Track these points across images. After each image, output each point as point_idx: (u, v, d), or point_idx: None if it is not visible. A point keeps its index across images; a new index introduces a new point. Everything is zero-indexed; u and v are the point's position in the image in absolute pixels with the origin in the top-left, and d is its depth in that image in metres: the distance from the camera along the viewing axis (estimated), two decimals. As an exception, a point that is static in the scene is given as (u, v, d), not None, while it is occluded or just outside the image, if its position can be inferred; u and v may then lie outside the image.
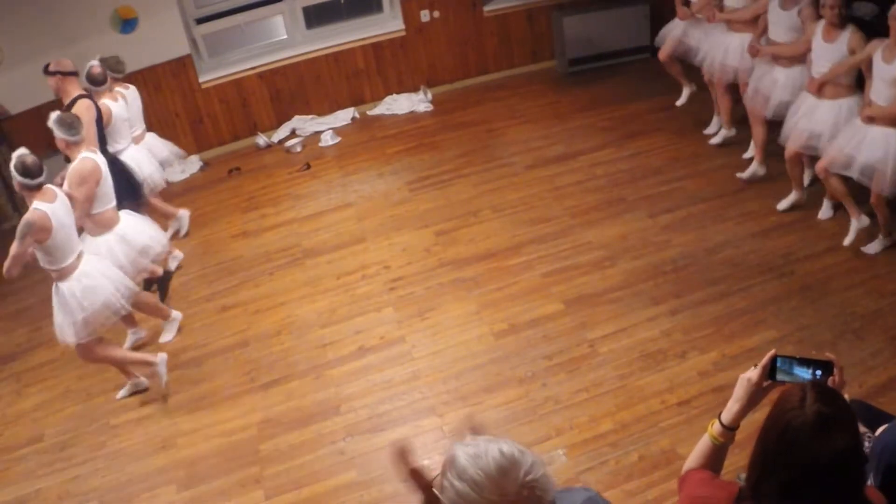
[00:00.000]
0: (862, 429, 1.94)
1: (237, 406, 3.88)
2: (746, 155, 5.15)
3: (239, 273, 5.01)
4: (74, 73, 4.59)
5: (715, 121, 5.61)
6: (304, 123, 6.91)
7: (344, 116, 6.98)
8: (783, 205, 4.59)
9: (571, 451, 3.25)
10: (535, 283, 4.35)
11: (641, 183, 5.16)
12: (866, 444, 1.97)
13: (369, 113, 7.06)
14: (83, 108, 4.43)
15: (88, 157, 3.98)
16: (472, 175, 5.65)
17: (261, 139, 6.81)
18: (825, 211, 4.49)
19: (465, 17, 6.99)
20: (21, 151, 3.56)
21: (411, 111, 6.94)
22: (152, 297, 4.48)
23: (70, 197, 3.83)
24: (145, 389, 4.12)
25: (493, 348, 3.93)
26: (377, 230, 5.18)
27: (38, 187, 3.57)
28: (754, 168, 4.91)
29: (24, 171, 3.52)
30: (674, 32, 5.54)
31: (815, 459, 1.48)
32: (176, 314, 4.52)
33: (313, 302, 4.57)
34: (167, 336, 4.46)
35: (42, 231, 3.51)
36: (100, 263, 3.87)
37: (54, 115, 3.92)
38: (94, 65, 4.80)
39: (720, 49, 5.04)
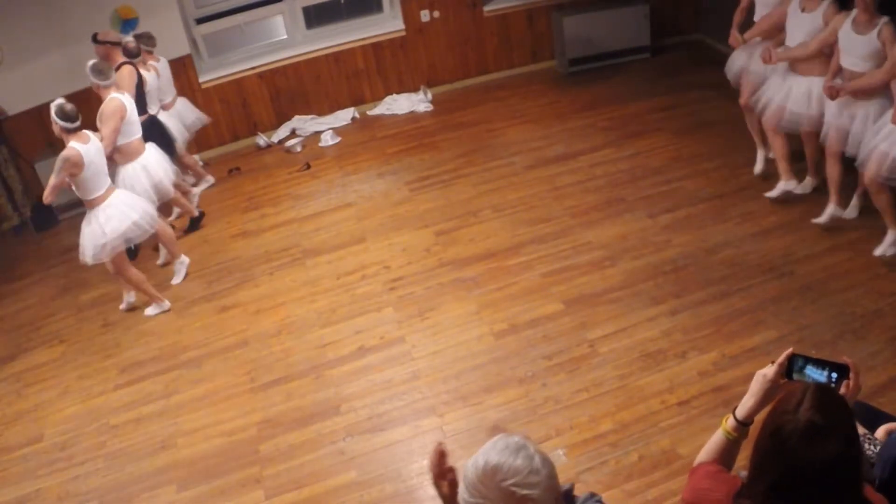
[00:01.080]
0: (861, 430, 1.93)
1: (237, 406, 3.88)
2: (758, 169, 4.77)
3: (239, 273, 5.01)
4: (118, 44, 5.18)
5: (760, 155, 4.97)
6: (304, 123, 6.91)
7: (344, 116, 6.98)
8: (881, 250, 4.00)
9: (571, 451, 3.25)
10: (535, 283, 4.35)
11: (641, 183, 5.16)
12: (866, 445, 1.97)
13: (369, 113, 7.06)
14: (126, 73, 5.04)
15: (115, 97, 4.58)
16: (472, 175, 5.65)
17: (261, 139, 6.82)
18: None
19: (465, 17, 7.00)
20: (59, 100, 4.16)
21: (411, 111, 6.95)
22: (171, 230, 5.12)
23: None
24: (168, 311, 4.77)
25: (493, 348, 3.93)
26: (377, 230, 5.18)
27: (75, 131, 4.17)
28: (831, 210, 4.27)
29: (64, 115, 4.12)
30: (738, 62, 4.82)
31: (803, 464, 1.49)
32: (184, 258, 5.10)
33: (313, 302, 4.57)
34: (176, 279, 5.04)
35: (75, 167, 4.12)
36: (126, 197, 4.51)
37: (90, 62, 4.55)
38: (129, 40, 5.36)
39: (780, 92, 4.34)
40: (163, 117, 5.66)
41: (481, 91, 7.11)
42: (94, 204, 4.35)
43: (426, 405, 3.65)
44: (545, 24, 7.18)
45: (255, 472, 3.46)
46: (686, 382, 3.49)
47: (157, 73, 5.63)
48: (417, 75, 7.14)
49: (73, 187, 4.29)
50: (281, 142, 6.79)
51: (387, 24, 7.03)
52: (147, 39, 5.68)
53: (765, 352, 3.54)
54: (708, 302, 3.97)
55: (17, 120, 6.08)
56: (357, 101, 7.11)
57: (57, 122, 4.13)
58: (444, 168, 5.84)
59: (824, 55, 4.10)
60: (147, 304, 4.80)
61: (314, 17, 7.01)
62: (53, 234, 6.12)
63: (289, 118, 6.96)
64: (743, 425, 1.81)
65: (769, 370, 1.79)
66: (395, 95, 7.14)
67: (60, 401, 4.19)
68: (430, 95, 7.03)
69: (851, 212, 4.35)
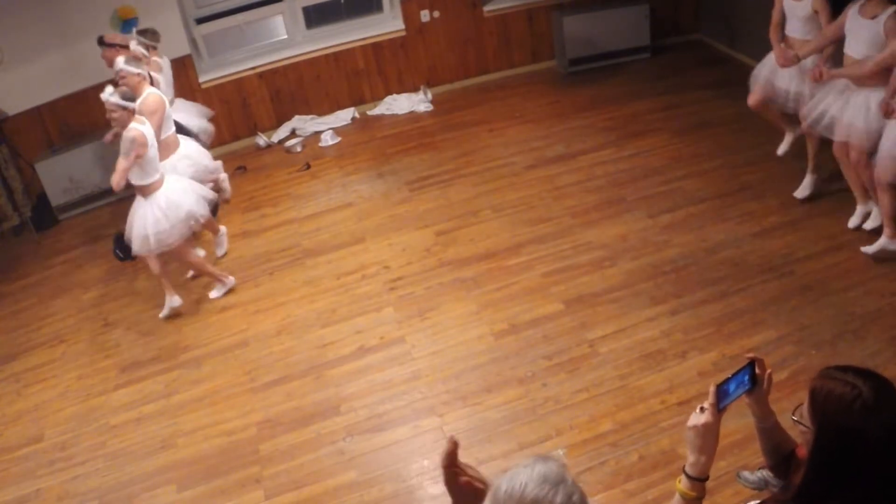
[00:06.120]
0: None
1: (237, 406, 3.88)
2: (854, 223, 4.27)
3: (239, 273, 5.00)
4: (126, 46, 5.29)
5: (787, 139, 4.78)
6: (304, 123, 6.91)
7: (344, 116, 6.98)
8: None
9: (571, 451, 3.25)
10: (535, 283, 4.35)
11: (641, 183, 5.16)
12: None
13: (369, 113, 7.06)
14: None
15: (154, 92, 4.63)
16: (472, 175, 5.65)
17: (261, 139, 6.82)
18: None
19: (465, 17, 6.99)
20: (110, 88, 4.17)
21: (411, 111, 6.95)
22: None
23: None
24: (232, 289, 4.82)
25: (493, 348, 3.93)
26: (377, 230, 5.18)
27: (133, 112, 4.19)
28: (883, 242, 3.97)
29: (127, 97, 4.18)
30: (762, 73, 4.50)
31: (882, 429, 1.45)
32: (222, 228, 5.27)
33: (313, 302, 4.57)
34: (220, 251, 5.22)
35: (142, 146, 4.13)
36: (180, 182, 4.51)
37: (121, 58, 4.59)
38: (136, 48, 5.32)
39: (836, 103, 3.98)
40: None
41: (481, 91, 7.11)
42: (151, 189, 4.31)
43: (426, 405, 3.65)
44: (545, 24, 7.17)
45: (255, 472, 3.46)
46: (686, 382, 3.49)
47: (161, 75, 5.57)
48: (417, 75, 7.14)
49: (133, 172, 4.20)
50: (281, 142, 6.79)
51: (387, 24, 7.03)
52: (151, 35, 5.54)
53: (765, 352, 3.54)
54: (708, 302, 3.97)
55: (17, 120, 6.08)
56: (357, 101, 7.10)
57: (120, 107, 4.12)
58: (444, 168, 5.84)
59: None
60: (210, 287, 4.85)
61: (314, 17, 7.01)
62: (53, 234, 6.11)
63: (289, 118, 6.95)
64: (700, 481, 1.71)
65: (705, 417, 1.69)
66: (395, 95, 7.14)
67: (60, 401, 4.19)
68: (430, 95, 7.02)
69: None
